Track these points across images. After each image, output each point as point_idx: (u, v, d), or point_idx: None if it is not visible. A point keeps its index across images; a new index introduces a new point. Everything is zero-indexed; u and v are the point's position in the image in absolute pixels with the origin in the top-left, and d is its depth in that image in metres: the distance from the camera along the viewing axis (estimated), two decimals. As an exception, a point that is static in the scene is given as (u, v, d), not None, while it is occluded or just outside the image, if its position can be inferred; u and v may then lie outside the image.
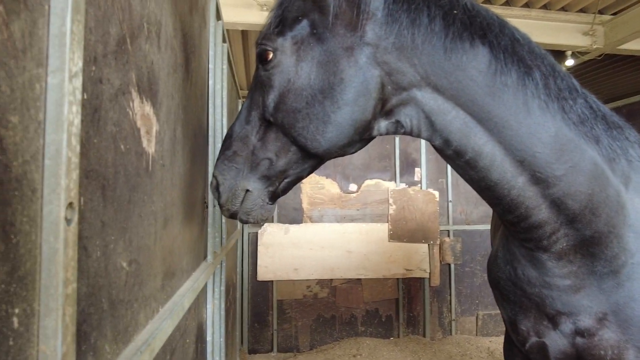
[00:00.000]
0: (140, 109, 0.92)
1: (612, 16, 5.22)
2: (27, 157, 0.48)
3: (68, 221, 0.52)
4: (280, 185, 1.36)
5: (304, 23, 1.22)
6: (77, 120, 0.55)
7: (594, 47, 5.20)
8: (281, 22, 1.24)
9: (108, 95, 0.73)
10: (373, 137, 1.34)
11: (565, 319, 1.40)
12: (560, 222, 1.27)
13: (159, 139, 1.09)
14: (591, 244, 1.28)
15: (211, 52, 2.08)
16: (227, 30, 3.31)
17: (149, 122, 0.99)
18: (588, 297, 1.34)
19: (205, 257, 2.09)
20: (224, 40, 2.56)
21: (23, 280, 0.47)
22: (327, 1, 1.18)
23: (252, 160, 1.31)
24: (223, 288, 2.63)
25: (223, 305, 2.62)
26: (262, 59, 1.25)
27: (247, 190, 1.33)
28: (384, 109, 1.24)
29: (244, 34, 5.65)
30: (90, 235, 0.65)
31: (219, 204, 1.37)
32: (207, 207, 2.13)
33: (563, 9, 5.16)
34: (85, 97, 0.63)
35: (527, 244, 1.37)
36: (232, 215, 1.38)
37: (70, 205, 0.53)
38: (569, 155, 1.19)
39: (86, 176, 0.64)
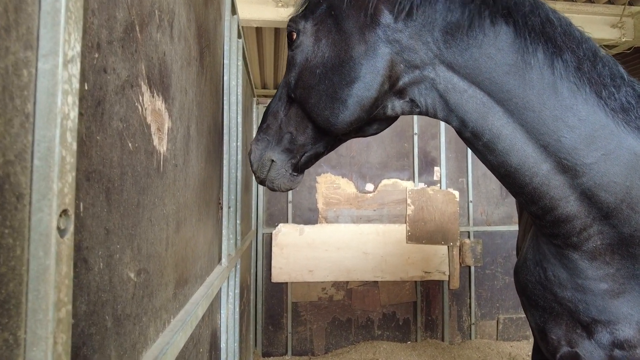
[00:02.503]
0: (151, 104, 0.85)
1: (641, 8, 4.99)
2: (10, 156, 0.40)
3: (62, 232, 0.44)
4: (302, 159, 1.44)
5: (324, 6, 1.28)
6: (74, 114, 0.47)
7: (623, 40, 4.99)
8: (307, 6, 1.33)
9: (114, 87, 0.65)
10: (391, 117, 1.36)
11: (601, 328, 1.27)
12: (592, 217, 1.16)
13: (171, 136, 1.01)
14: (632, 244, 1.16)
15: (226, 47, 2.01)
16: (242, 27, 3.24)
17: (160, 119, 0.92)
18: (629, 303, 1.22)
19: (219, 260, 2.02)
20: (239, 36, 2.49)
21: (5, 304, 0.39)
22: None
23: (279, 134, 1.42)
24: (237, 291, 2.56)
25: (237, 309, 2.55)
26: (289, 40, 1.35)
27: (272, 161, 1.43)
28: (395, 87, 1.24)
29: (259, 31, 5.59)
30: (91, 245, 0.57)
31: (252, 170, 1.50)
32: (221, 207, 2.06)
33: (590, 0, 4.97)
34: (86, 87, 0.55)
35: (555, 241, 1.26)
36: (261, 182, 1.50)
37: (64, 212, 0.45)
38: (601, 142, 1.09)
39: (87, 178, 0.56)
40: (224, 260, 2.03)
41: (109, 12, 0.63)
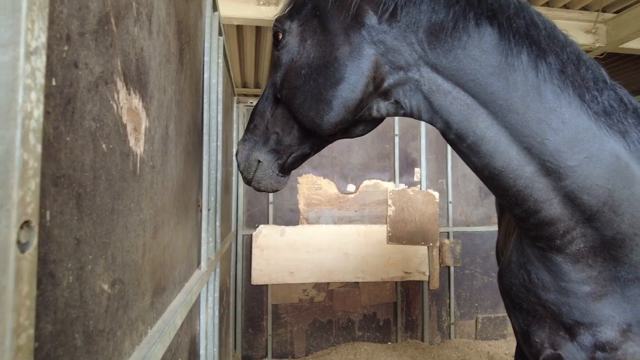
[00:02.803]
0: (127, 102, 0.79)
1: (614, 14, 5.15)
2: (-40, 161, 0.35)
3: (23, 246, 0.39)
4: (288, 160, 1.43)
5: (310, 5, 1.27)
6: (39, 112, 0.42)
7: (597, 45, 5.13)
8: (293, 6, 1.32)
9: (86, 84, 0.59)
10: (376, 119, 1.35)
11: (584, 330, 1.28)
12: (575, 220, 1.17)
13: (148, 137, 0.96)
14: (613, 247, 1.17)
15: (207, 44, 1.95)
16: (223, 24, 3.16)
17: (137, 118, 0.86)
18: (610, 305, 1.23)
19: (199, 264, 1.96)
20: (220, 33, 2.42)
21: (-47, 333, 0.33)
22: None
23: (266, 134, 1.41)
24: (217, 295, 2.49)
25: (217, 314, 2.48)
26: (275, 40, 1.33)
27: (259, 161, 1.43)
28: (379, 89, 1.23)
29: (239, 29, 5.51)
30: (59, 258, 0.52)
31: (239, 170, 1.49)
32: (201, 210, 1.99)
33: (566, 6, 5.09)
34: (54, 83, 0.50)
35: (538, 243, 1.27)
36: (248, 183, 1.50)
37: (26, 224, 0.39)
38: (584, 145, 1.10)
39: (55, 183, 0.50)
40: (203, 264, 1.96)
41: (81, 1, 0.57)
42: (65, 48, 0.52)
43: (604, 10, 5.05)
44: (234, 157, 1.52)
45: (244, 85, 7.84)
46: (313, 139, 1.39)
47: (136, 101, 0.84)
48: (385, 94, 1.25)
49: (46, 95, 0.47)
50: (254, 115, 1.46)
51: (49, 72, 0.48)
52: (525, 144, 1.13)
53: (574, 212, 1.16)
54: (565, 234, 1.19)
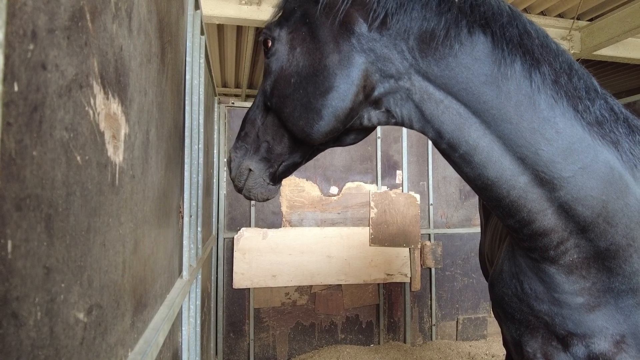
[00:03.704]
0: (105, 107, 0.71)
1: (588, 22, 5.29)
2: None
3: (-23, 291, 0.32)
4: (279, 168, 1.40)
5: (299, 13, 1.24)
6: (-2, 126, 0.34)
7: (572, 52, 5.25)
8: (282, 14, 1.29)
9: (56, 88, 0.52)
10: (368, 127, 1.33)
11: (577, 341, 1.27)
12: (569, 231, 1.16)
13: (128, 144, 0.88)
14: (607, 258, 1.16)
15: (188, 44, 1.86)
16: (204, 23, 3.06)
17: (116, 124, 0.78)
18: (604, 317, 1.22)
19: (180, 273, 1.87)
20: (202, 32, 2.33)
21: None
22: None
23: (256, 142, 1.38)
24: (199, 303, 2.40)
25: (199, 322, 2.39)
26: (265, 48, 1.30)
27: (250, 170, 1.40)
28: (370, 98, 1.21)
29: (220, 28, 5.39)
30: (24, 293, 0.44)
31: (230, 178, 1.47)
32: (182, 217, 1.90)
33: (543, 13, 5.19)
34: (16, 88, 0.42)
35: (531, 254, 1.25)
36: (239, 191, 1.47)
37: (-19, 264, 0.32)
38: (578, 155, 1.09)
39: (18, 207, 0.43)
40: (184, 273, 1.87)
41: (51, -6, 0.50)
42: (31, 47, 0.45)
43: (578, 18, 5.18)
44: (226, 164, 1.51)
45: (224, 85, 7.71)
46: (304, 148, 1.36)
47: (115, 106, 0.76)
48: (376, 103, 1.22)
49: (6, 103, 0.39)
50: (245, 122, 1.43)
51: (10, 75, 0.40)
52: (519, 154, 1.11)
53: (568, 223, 1.15)
54: (559, 245, 1.18)
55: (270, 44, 1.28)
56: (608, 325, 1.22)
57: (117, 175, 0.80)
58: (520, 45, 1.10)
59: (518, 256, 1.37)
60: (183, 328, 1.90)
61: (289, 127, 1.27)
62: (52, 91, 0.50)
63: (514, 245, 1.40)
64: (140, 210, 1.02)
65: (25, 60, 0.43)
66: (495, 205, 1.22)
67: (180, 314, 1.84)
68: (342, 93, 1.16)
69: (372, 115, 1.26)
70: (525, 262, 1.34)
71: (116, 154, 0.79)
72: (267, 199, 1.46)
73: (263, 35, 1.30)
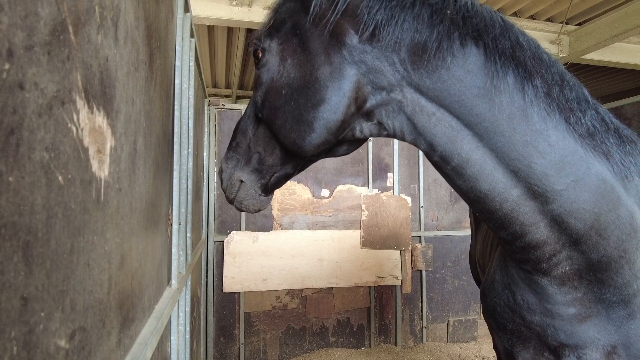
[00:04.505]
0: (90, 122, 0.68)
1: (577, 26, 5.35)
2: None
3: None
4: (271, 179, 1.38)
5: (289, 24, 1.23)
6: (-31, 158, 0.32)
7: (560, 55, 5.30)
8: (272, 24, 1.26)
9: (36, 108, 0.49)
10: (360, 139, 1.31)
11: (569, 352, 1.27)
12: (562, 244, 1.15)
13: (114, 157, 0.85)
14: (599, 270, 1.16)
15: (178, 48, 1.83)
16: (194, 25, 3.02)
17: (101, 138, 0.75)
18: (595, 327, 1.22)
19: (169, 281, 1.83)
20: (191, 35, 2.30)
21: None
22: (309, 1, 1.16)
23: (248, 153, 1.37)
24: (188, 309, 2.36)
25: (188, 329, 2.35)
26: (255, 58, 1.29)
27: (242, 181, 1.39)
28: (362, 110, 1.19)
29: (211, 29, 5.34)
30: None
31: (222, 188, 1.45)
32: (171, 224, 1.87)
33: (532, 17, 5.23)
34: (-9, 113, 0.39)
35: (524, 266, 1.25)
36: (231, 202, 1.46)
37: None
38: (571, 168, 1.08)
39: (-7, 239, 0.40)
40: (173, 281, 1.84)
41: (28, 8, 0.47)
42: (6, 67, 0.42)
43: (567, 22, 5.23)
44: (218, 175, 1.48)
45: (215, 86, 7.64)
46: (296, 160, 1.34)
47: (100, 119, 0.74)
48: (368, 115, 1.21)
49: (-19, 131, 0.37)
50: (237, 132, 1.41)
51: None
52: (511, 167, 1.10)
53: (560, 235, 1.15)
54: (551, 257, 1.18)
55: (260, 54, 1.27)
56: (599, 336, 1.22)
57: (102, 191, 0.77)
58: (513, 57, 1.10)
59: (510, 267, 1.37)
60: (172, 337, 1.87)
61: (280, 139, 1.26)
62: (31, 111, 0.48)
63: (505, 256, 1.39)
64: (127, 224, 0.99)
65: (0, 81, 0.40)
66: (487, 218, 1.21)
67: (169, 323, 1.81)
68: (334, 105, 1.15)
69: (364, 127, 1.24)
70: (517, 274, 1.33)
71: (101, 169, 0.76)
72: (259, 210, 1.45)
73: (253, 45, 1.29)
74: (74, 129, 0.61)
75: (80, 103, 0.63)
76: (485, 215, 1.21)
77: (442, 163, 1.18)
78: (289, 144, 1.24)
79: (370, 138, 5.19)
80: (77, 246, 0.64)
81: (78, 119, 0.62)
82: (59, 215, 0.57)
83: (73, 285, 0.63)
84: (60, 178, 0.56)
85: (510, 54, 1.09)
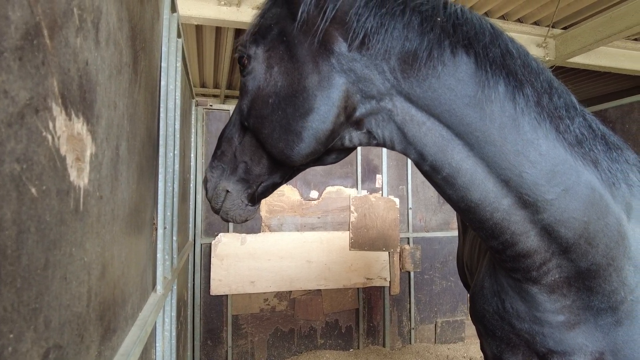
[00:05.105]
0: (67, 129, 0.65)
1: (563, 30, 5.42)
2: None
3: None
4: (258, 189, 1.35)
5: (276, 30, 1.20)
6: None
7: (547, 59, 5.37)
8: (258, 30, 1.23)
9: (5, 117, 0.46)
10: (349, 148, 1.29)
11: (557, 358, 1.28)
12: (552, 252, 1.15)
13: (95, 164, 0.82)
14: (588, 277, 1.17)
15: (164, 49, 1.79)
16: (181, 24, 2.97)
17: (80, 145, 0.72)
18: (583, 334, 1.23)
19: (154, 287, 1.79)
20: (178, 35, 2.25)
21: None
22: (297, 6, 1.13)
23: (234, 162, 1.33)
24: (174, 314, 2.32)
25: (174, 334, 2.31)
26: (241, 66, 1.26)
27: (228, 191, 1.35)
28: (351, 119, 1.17)
29: (199, 29, 5.28)
30: (-38, 359, 0.38)
31: (207, 198, 1.41)
32: (156, 229, 1.83)
33: (519, 20, 5.29)
34: (-47, 125, 0.36)
35: (514, 275, 1.25)
36: (216, 212, 1.42)
37: None
38: (561, 177, 1.08)
39: (-45, 262, 0.37)
40: (159, 287, 1.80)
41: (-1, 12, 0.44)
42: (-26, 75, 0.39)
43: (553, 26, 5.30)
44: (203, 185, 1.44)
45: (203, 85, 7.57)
46: (284, 169, 1.31)
47: (79, 126, 0.70)
48: (357, 124, 1.19)
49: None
50: (222, 140, 1.38)
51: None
52: (502, 176, 1.09)
53: (550, 244, 1.14)
54: (541, 265, 1.18)
55: (246, 61, 1.23)
56: (587, 343, 1.23)
57: (81, 200, 0.74)
58: (504, 66, 1.09)
59: (500, 275, 1.37)
60: (157, 344, 1.83)
61: (267, 148, 1.23)
62: (1, 121, 0.45)
63: (496, 265, 1.39)
64: (109, 232, 0.96)
65: (-37, 93, 0.37)
66: (478, 227, 1.20)
67: (154, 330, 1.77)
68: (323, 115, 1.13)
69: (353, 136, 1.22)
70: (507, 282, 1.33)
71: (80, 177, 0.73)
72: (246, 220, 1.42)
73: (238, 52, 1.26)
74: (49, 137, 0.58)
75: (56, 110, 0.60)
76: (475, 224, 1.20)
77: (433, 172, 1.17)
78: (277, 154, 1.22)
79: (359, 139, 5.19)
80: (52, 260, 0.61)
81: (54, 127, 0.59)
82: (32, 230, 0.54)
83: (48, 302, 0.60)
84: (33, 190, 0.53)
85: (501, 63, 1.08)
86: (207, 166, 1.40)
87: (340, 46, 1.10)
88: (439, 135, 1.11)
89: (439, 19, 1.09)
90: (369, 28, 1.07)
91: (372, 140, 1.22)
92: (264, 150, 1.25)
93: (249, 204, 1.38)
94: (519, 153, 1.07)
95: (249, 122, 1.25)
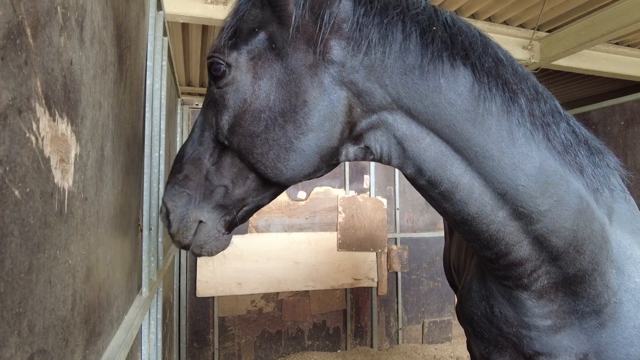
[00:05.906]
0: (52, 130, 0.64)
1: (547, 33, 5.52)
2: None
3: None
4: (239, 214, 1.21)
5: (261, 36, 1.08)
6: None
7: (532, 61, 5.46)
8: (236, 34, 1.09)
9: (-13, 118, 0.45)
10: (341, 162, 1.22)
11: None
12: (542, 260, 1.18)
13: (79, 165, 0.80)
14: (574, 283, 1.20)
15: (150, 47, 1.76)
16: (167, 22, 2.94)
17: (64, 146, 0.71)
18: (569, 337, 1.26)
19: (139, 289, 1.77)
20: (164, 34, 2.23)
21: None
22: (287, 11, 1.04)
23: (206, 187, 1.16)
24: (160, 316, 2.29)
25: (160, 337, 2.28)
26: (214, 74, 1.10)
27: (201, 222, 1.18)
28: (352, 133, 1.12)
29: (185, 27, 5.22)
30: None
31: (169, 233, 1.21)
32: (142, 230, 1.80)
33: (505, 22, 5.37)
34: None
35: (505, 282, 1.27)
36: (184, 247, 1.23)
37: None
38: (554, 188, 1.09)
39: None
40: (144, 289, 1.77)
41: (-19, 10, 0.43)
42: (-45, 75, 0.38)
43: (539, 29, 5.40)
44: (162, 218, 1.22)
45: (189, 84, 7.49)
46: (274, 189, 1.20)
47: (64, 126, 0.69)
48: (356, 139, 1.14)
49: None
50: (182, 163, 1.19)
51: None
52: (499, 190, 1.09)
53: (541, 252, 1.16)
54: (532, 272, 1.20)
55: (222, 70, 1.08)
56: (572, 345, 1.25)
57: (65, 202, 0.72)
58: (498, 75, 1.07)
59: (488, 281, 1.39)
60: (143, 347, 1.80)
61: (260, 169, 1.11)
62: (-18, 122, 0.44)
63: (485, 270, 1.41)
64: (94, 234, 0.94)
65: (-57, 93, 0.36)
66: (473, 239, 1.20)
67: (140, 333, 1.74)
68: (328, 131, 1.06)
69: (349, 151, 1.16)
70: (496, 288, 1.35)
71: (65, 179, 0.71)
72: (220, 251, 1.24)
73: (212, 59, 1.10)
74: (33, 138, 0.56)
75: (40, 110, 0.58)
76: (471, 236, 1.19)
77: (430, 187, 1.14)
78: (272, 174, 1.11)
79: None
80: (36, 263, 0.60)
81: (38, 128, 0.58)
82: (15, 233, 0.52)
83: (31, 306, 0.59)
84: (16, 192, 0.52)
85: (495, 73, 1.07)
86: (164, 194, 1.20)
87: (341, 56, 1.04)
88: (439, 151, 1.08)
89: (435, 29, 1.06)
90: (372, 39, 1.03)
91: (369, 155, 1.17)
92: (253, 171, 1.13)
93: (225, 232, 1.22)
94: (516, 166, 1.06)
95: (232, 141, 1.10)
